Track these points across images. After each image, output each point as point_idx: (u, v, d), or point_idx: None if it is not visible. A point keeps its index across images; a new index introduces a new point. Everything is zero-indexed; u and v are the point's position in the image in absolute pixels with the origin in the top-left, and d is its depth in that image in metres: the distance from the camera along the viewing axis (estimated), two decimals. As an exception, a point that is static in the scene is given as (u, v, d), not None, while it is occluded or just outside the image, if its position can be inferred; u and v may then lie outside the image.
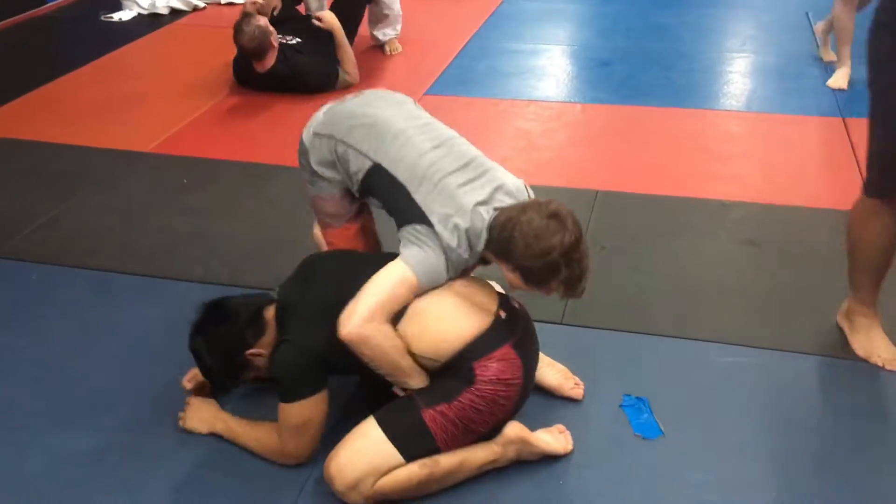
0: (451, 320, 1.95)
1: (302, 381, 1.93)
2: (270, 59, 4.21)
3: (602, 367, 2.33)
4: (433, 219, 1.96)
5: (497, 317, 1.98)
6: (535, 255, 1.88)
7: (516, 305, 2.09)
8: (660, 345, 2.40)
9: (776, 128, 3.84)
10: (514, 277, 1.97)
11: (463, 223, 1.95)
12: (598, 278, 2.68)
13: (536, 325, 2.47)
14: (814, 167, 3.45)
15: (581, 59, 4.81)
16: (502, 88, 4.36)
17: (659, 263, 2.80)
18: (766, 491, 1.93)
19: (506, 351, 1.94)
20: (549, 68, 4.68)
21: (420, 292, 1.96)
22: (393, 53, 4.85)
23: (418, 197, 1.99)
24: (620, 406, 2.18)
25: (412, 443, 1.88)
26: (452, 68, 4.64)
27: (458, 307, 1.98)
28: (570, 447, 2.04)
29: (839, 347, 2.38)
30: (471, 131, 3.97)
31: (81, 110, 4.20)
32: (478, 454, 1.95)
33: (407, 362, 1.92)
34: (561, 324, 2.51)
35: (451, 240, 1.95)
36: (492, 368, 1.90)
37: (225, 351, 2.00)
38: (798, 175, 3.39)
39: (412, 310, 1.95)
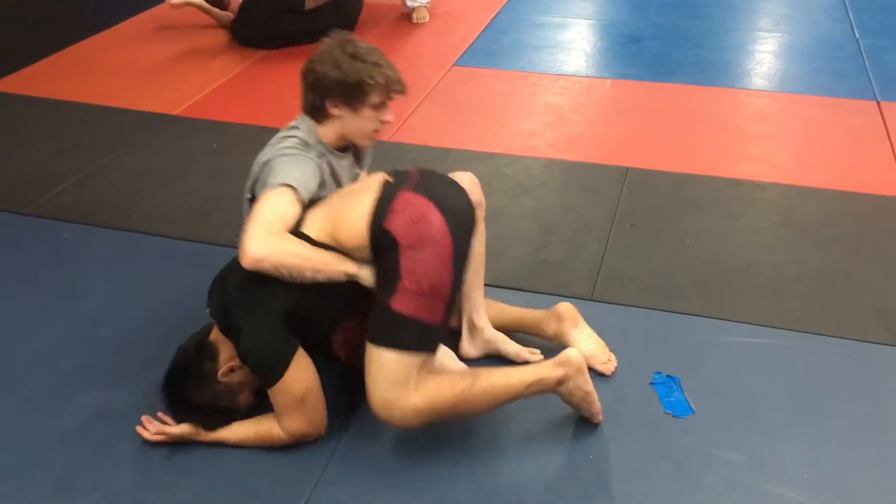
0: (348, 202, 1.97)
1: (275, 352, 1.89)
2: None
3: (632, 345, 2.32)
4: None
5: (385, 182, 1.97)
6: (341, 68, 2.06)
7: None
8: (690, 324, 2.39)
9: (808, 109, 3.79)
10: (346, 111, 2.10)
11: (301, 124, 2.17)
12: (627, 256, 2.71)
13: (567, 301, 2.49)
14: (847, 150, 3.41)
15: (611, 34, 4.76)
16: (531, 62, 4.33)
17: (689, 242, 2.78)
18: (797, 473, 1.93)
19: (402, 198, 1.90)
20: (579, 43, 4.64)
21: (303, 195, 1.98)
22: (419, 22, 4.81)
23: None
24: (651, 384, 2.17)
25: (405, 336, 1.87)
26: (481, 40, 4.60)
27: (349, 193, 2.04)
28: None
29: (870, 331, 2.36)
30: (499, 104, 4.00)
31: (110, 71, 4.20)
32: (522, 371, 1.97)
33: (323, 253, 1.91)
34: (591, 300, 2.50)
35: (297, 133, 2.12)
36: (399, 218, 1.88)
37: (199, 392, 1.99)
38: (831, 157, 3.35)
39: (313, 216, 1.97)
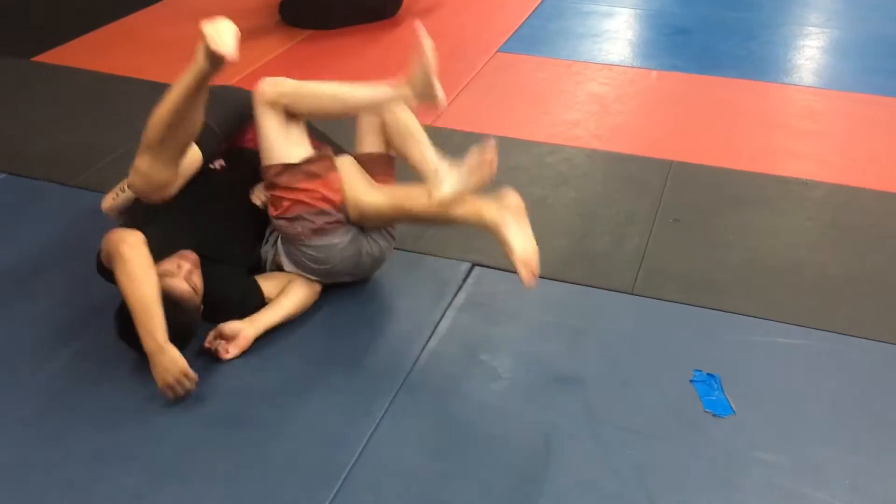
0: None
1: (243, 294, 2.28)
2: None
3: (672, 341, 2.30)
4: None
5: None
6: None
7: None
8: (732, 322, 2.36)
9: (859, 107, 3.72)
10: None
11: None
12: (670, 250, 2.67)
13: (606, 294, 2.47)
14: (897, 151, 3.34)
15: (658, 24, 4.70)
16: (576, 50, 4.28)
17: (733, 239, 2.74)
18: (839, 478, 1.90)
19: None
20: (625, 32, 4.59)
21: None
22: None
23: None
24: (691, 381, 2.15)
25: None
26: (526, 27, 4.56)
27: None
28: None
29: (918, 338, 2.32)
30: (542, 92, 3.97)
31: (156, 46, 4.21)
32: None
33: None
34: (632, 294, 2.48)
35: None
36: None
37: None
38: (881, 158, 3.28)
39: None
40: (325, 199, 2.27)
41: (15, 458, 1.93)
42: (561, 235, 2.75)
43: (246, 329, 2.21)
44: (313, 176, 2.28)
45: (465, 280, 2.54)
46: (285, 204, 2.28)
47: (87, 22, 4.43)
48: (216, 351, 2.18)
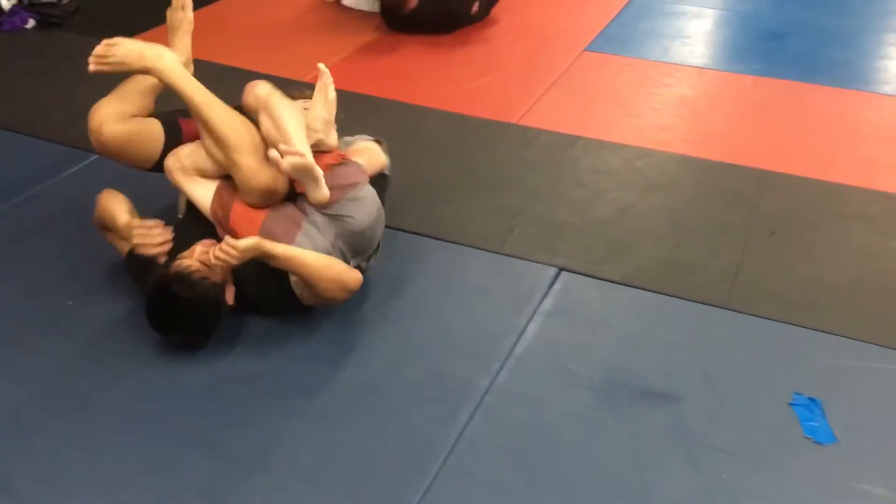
0: None
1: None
2: (412, 1, 4.14)
3: (769, 360, 2.20)
4: None
5: None
6: None
7: None
8: (835, 344, 2.25)
9: (968, 123, 3.53)
10: None
11: None
12: (767, 265, 2.57)
13: (699, 308, 2.39)
14: None
15: (750, 27, 4.53)
16: (666, 52, 4.16)
17: (834, 255, 2.62)
18: (949, 518, 1.80)
19: None
20: (716, 34, 4.45)
21: None
22: None
23: None
24: (790, 404, 2.06)
25: None
26: (614, 26, 4.45)
27: None
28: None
29: None
30: (631, 94, 3.87)
31: (242, 34, 4.24)
32: None
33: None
34: (726, 308, 2.39)
35: None
36: None
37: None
38: None
39: None
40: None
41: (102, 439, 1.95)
42: (651, 244, 2.67)
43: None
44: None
45: (551, 285, 2.48)
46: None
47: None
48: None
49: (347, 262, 2.24)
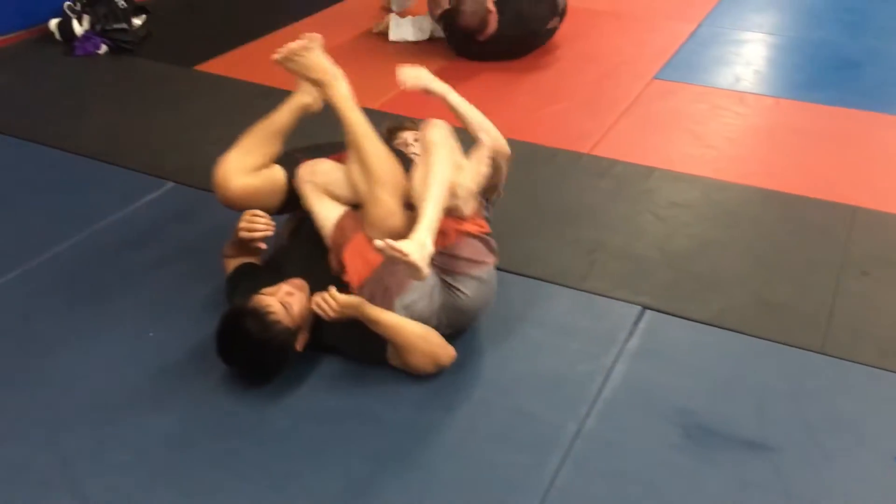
0: None
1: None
2: (492, 25, 4.11)
3: (873, 410, 2.11)
4: None
5: None
6: None
7: None
8: (940, 395, 2.15)
9: None
10: None
11: None
12: (861, 307, 2.47)
13: (793, 352, 2.30)
14: None
15: (825, 55, 4.42)
16: (737, 80, 4.08)
17: (932, 299, 2.52)
18: None
19: None
20: (788, 62, 4.35)
21: None
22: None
23: None
24: (896, 459, 1.97)
25: None
26: (682, 53, 4.38)
27: None
28: None
29: None
30: (703, 124, 3.77)
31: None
32: None
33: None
34: (820, 353, 2.30)
35: None
36: None
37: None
38: None
39: None
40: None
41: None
42: (736, 282, 2.59)
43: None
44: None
45: (636, 324, 2.41)
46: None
47: (250, 32, 4.51)
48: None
49: (442, 331, 2.19)
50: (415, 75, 2.42)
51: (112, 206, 2.94)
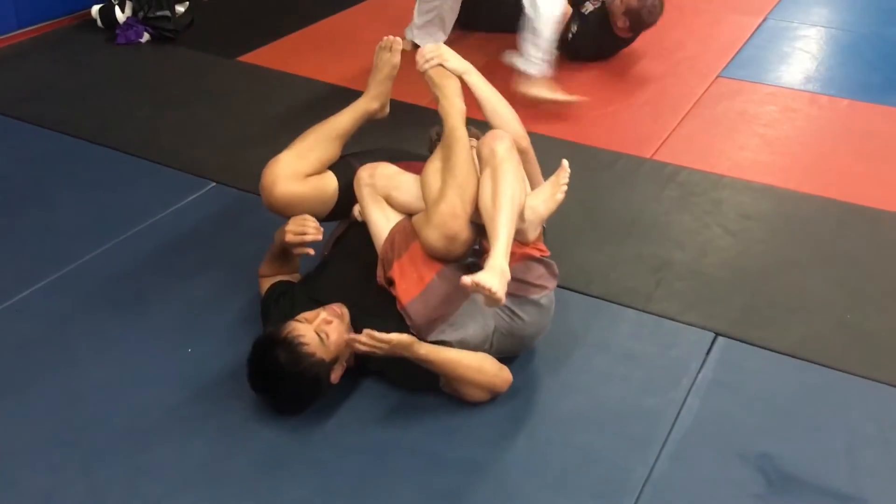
0: None
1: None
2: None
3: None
4: None
5: None
6: None
7: None
8: None
9: None
10: None
11: None
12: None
13: (883, 388, 2.11)
14: None
15: (903, 53, 4.14)
16: (808, 79, 3.84)
17: None
18: None
19: None
20: (865, 61, 4.04)
21: None
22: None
23: None
24: None
25: None
26: (748, 49, 4.13)
27: None
28: None
29: None
30: (774, 127, 3.49)
31: (354, 51, 4.06)
32: None
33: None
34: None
35: None
36: None
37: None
38: None
39: None
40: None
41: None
42: (818, 307, 2.39)
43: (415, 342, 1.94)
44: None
45: (707, 353, 2.23)
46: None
47: (296, 22, 4.35)
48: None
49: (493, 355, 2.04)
50: (433, 51, 2.26)
51: (153, 207, 2.82)
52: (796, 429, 2.00)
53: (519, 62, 3.45)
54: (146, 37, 4.08)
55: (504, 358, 2.07)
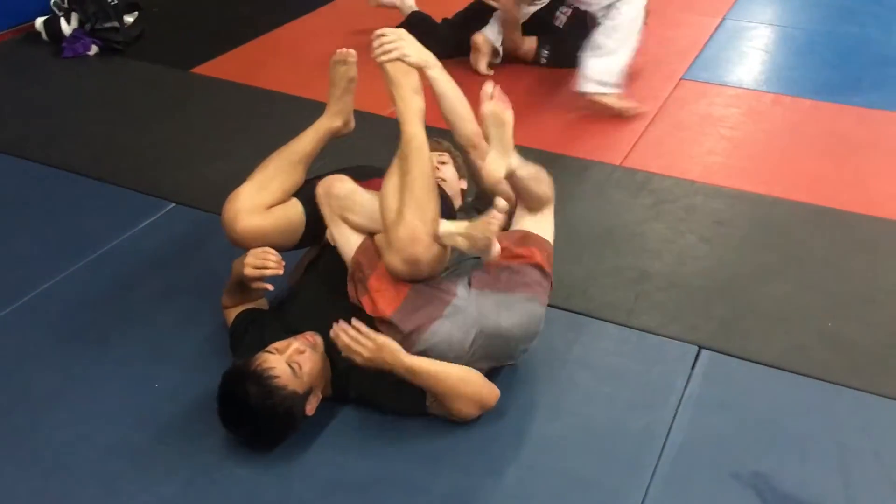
0: None
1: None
2: None
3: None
4: None
5: None
6: None
7: None
8: None
9: None
10: None
11: None
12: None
13: (874, 400, 2.09)
14: None
15: (860, 52, 4.14)
16: (770, 79, 3.85)
17: None
18: None
19: None
20: (824, 60, 4.05)
21: None
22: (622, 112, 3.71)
23: None
24: None
25: None
26: (709, 50, 4.13)
27: None
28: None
29: None
30: (741, 130, 3.48)
31: (309, 62, 3.93)
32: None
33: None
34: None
35: None
36: None
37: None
38: None
39: None
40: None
41: None
42: (798, 316, 2.36)
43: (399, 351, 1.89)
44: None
45: (693, 367, 2.18)
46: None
47: (249, 31, 4.24)
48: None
49: (477, 365, 1.97)
50: (393, 42, 2.07)
51: (110, 231, 2.69)
52: (787, 444, 1.97)
53: (596, 87, 3.43)
54: (94, 49, 3.93)
55: (488, 375, 2.00)
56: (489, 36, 3.85)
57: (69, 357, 2.21)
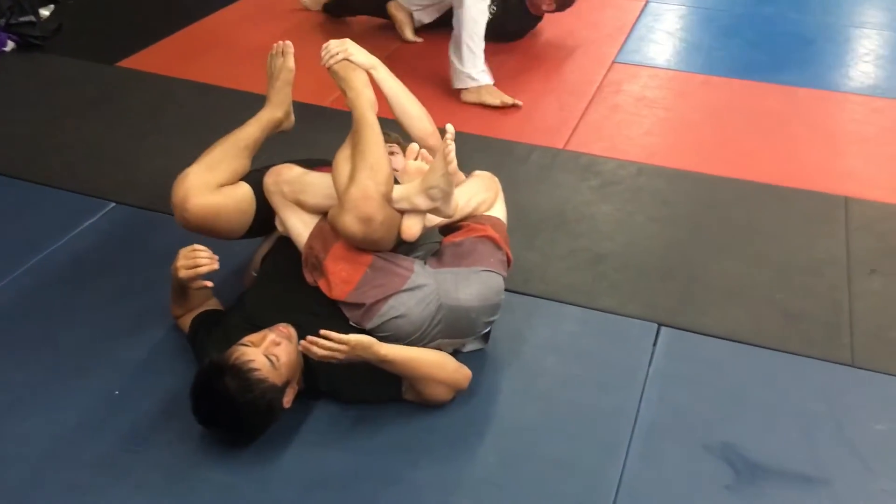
0: None
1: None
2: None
3: (917, 427, 2.00)
4: None
5: None
6: None
7: None
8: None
9: None
10: None
11: None
12: (881, 311, 2.36)
13: (825, 366, 2.18)
14: None
15: (780, 32, 4.26)
16: (698, 60, 3.95)
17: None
18: None
19: None
20: (747, 41, 4.16)
21: None
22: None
23: None
24: (956, 483, 1.85)
25: None
26: (638, 31, 4.21)
27: None
28: None
29: None
30: (675, 110, 3.61)
31: (241, 52, 3.84)
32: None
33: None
34: (853, 366, 2.17)
35: None
36: None
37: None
38: None
39: None
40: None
41: None
42: (747, 289, 2.44)
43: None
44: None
45: (654, 345, 2.24)
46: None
47: (175, 21, 4.09)
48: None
49: (441, 346, 2.00)
50: (338, 46, 2.16)
51: (48, 235, 2.56)
52: (751, 414, 2.03)
53: (462, 79, 3.46)
54: (10, 45, 3.73)
55: (458, 359, 2.02)
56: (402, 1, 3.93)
57: (20, 369, 2.10)
